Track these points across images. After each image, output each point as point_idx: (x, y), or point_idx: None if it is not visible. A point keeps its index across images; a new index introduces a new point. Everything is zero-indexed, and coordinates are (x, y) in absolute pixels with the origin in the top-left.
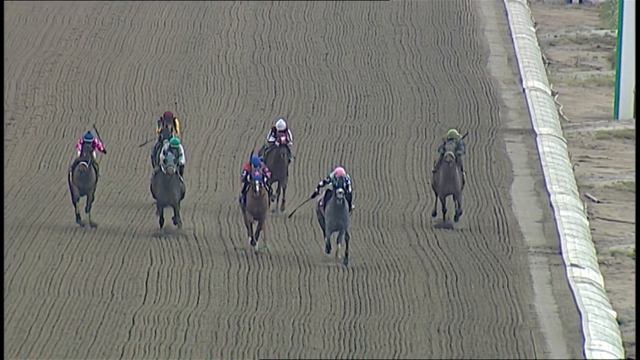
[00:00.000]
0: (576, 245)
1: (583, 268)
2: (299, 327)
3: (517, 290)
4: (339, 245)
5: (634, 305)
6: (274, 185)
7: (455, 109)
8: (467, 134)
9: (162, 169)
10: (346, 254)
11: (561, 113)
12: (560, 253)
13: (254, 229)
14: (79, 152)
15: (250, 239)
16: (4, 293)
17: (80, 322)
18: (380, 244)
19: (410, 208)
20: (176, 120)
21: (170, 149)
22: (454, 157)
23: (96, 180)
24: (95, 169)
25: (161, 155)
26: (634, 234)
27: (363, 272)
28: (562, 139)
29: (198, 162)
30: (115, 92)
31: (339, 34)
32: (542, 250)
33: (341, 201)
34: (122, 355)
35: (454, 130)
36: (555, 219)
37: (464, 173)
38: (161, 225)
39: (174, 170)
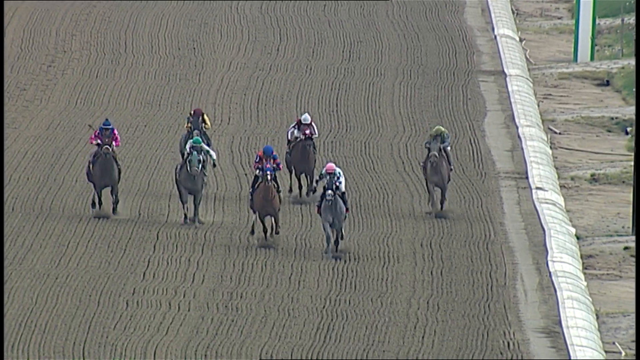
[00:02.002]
0: (540, 171)
1: (546, 191)
2: (301, 242)
3: (489, 210)
4: (336, 246)
5: (590, 222)
6: (302, 177)
7: (435, 53)
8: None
9: (188, 169)
10: (336, 248)
11: (528, 57)
12: (527, 177)
13: (267, 225)
14: (95, 144)
15: (262, 232)
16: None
17: (111, 238)
18: (371, 170)
19: (397, 139)
20: (205, 116)
21: (192, 147)
22: (438, 157)
23: (119, 172)
24: (115, 160)
25: (186, 148)
26: (590, 161)
27: (356, 194)
28: (528, 79)
29: (213, 99)
30: (142, 38)
31: None
32: (511, 175)
33: (331, 202)
34: (147, 265)
35: (440, 126)
36: (522, 148)
37: (451, 167)
38: (186, 217)
39: (198, 171)
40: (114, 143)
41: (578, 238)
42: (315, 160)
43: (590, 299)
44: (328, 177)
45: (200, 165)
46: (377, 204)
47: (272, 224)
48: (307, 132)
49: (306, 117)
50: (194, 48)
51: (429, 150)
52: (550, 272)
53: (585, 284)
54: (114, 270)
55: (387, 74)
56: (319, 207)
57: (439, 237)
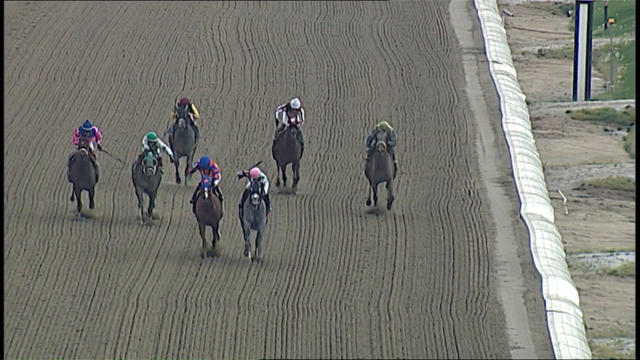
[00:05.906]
0: (496, 47)
1: (501, 63)
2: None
3: (453, 80)
4: (257, 248)
5: (538, 90)
6: (288, 167)
7: None
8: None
9: (143, 170)
10: (259, 253)
11: None
12: (485, 53)
13: (207, 237)
14: (75, 146)
15: (202, 246)
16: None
17: (137, 101)
18: (354, 46)
19: (376, 20)
20: (193, 106)
21: (148, 144)
22: (385, 146)
23: (97, 175)
24: (93, 162)
25: (142, 144)
26: (538, 39)
27: (341, 67)
28: None
29: None
30: None
31: None
32: (471, 51)
33: (257, 206)
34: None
35: (385, 122)
36: (481, 28)
37: (395, 162)
38: (142, 210)
39: (154, 172)
40: (93, 142)
41: (527, 103)
42: (302, 150)
43: (538, 154)
44: (253, 181)
45: (155, 166)
46: (359, 75)
47: (212, 234)
48: (293, 120)
49: (295, 102)
50: None
51: (375, 141)
52: (504, 132)
53: (533, 141)
54: (138, 130)
55: None
56: (241, 206)
57: (411, 102)
